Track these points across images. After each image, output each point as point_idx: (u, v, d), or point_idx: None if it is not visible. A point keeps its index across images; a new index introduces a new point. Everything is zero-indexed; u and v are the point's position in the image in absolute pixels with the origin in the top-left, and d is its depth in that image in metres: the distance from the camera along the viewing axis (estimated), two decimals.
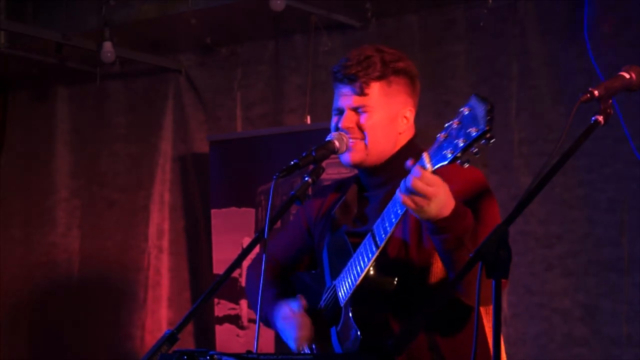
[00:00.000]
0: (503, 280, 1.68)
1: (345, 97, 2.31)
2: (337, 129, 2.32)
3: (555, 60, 4.14)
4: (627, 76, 1.94)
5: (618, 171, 3.99)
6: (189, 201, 5.23)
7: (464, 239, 2.03)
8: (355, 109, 2.30)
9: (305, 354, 2.31)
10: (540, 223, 4.12)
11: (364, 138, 2.29)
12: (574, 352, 4.03)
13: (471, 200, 2.19)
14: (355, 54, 2.31)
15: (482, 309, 2.24)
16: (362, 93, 2.29)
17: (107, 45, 4.69)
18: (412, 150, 2.30)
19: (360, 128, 2.29)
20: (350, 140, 2.30)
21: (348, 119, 2.30)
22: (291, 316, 2.36)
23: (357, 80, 2.28)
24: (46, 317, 5.59)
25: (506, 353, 2.37)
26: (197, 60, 5.21)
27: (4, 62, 5.28)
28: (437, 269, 2.21)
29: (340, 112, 2.33)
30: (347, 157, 2.31)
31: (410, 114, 2.34)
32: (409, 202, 1.98)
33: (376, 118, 2.29)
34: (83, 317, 5.43)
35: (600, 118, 1.89)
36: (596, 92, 1.89)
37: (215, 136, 4.97)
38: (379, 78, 2.29)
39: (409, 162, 2.00)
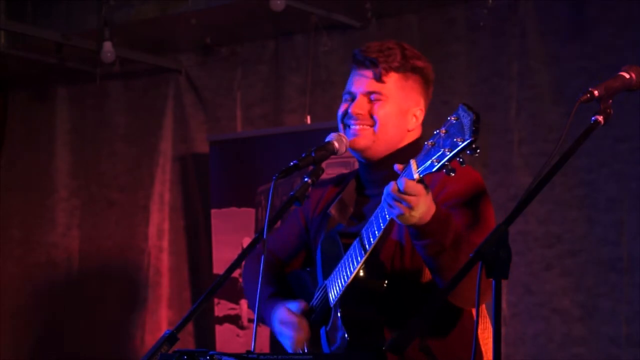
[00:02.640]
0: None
1: (361, 81, 2.30)
2: (345, 114, 2.31)
3: (555, 60, 4.15)
4: (627, 76, 1.94)
5: (618, 171, 3.99)
6: (189, 201, 5.23)
7: (446, 244, 2.02)
8: (369, 95, 2.29)
9: (304, 354, 2.31)
10: (539, 223, 4.12)
11: (373, 125, 2.28)
12: (573, 352, 4.03)
13: (469, 202, 2.19)
14: (377, 43, 2.31)
15: (472, 310, 2.24)
16: (379, 79, 2.28)
17: (107, 45, 4.69)
18: (414, 148, 2.29)
19: (371, 116, 2.28)
20: (357, 127, 2.28)
21: (359, 105, 2.29)
22: (289, 319, 2.35)
23: (377, 65, 2.27)
24: (45, 317, 5.59)
25: (504, 354, 2.37)
26: (197, 60, 5.21)
27: (4, 62, 5.28)
28: (428, 275, 2.20)
29: (352, 97, 2.31)
30: (352, 143, 2.29)
31: (420, 113, 2.35)
32: (390, 208, 1.99)
33: (389, 108, 2.28)
34: (83, 317, 5.42)
35: (600, 118, 1.89)
36: (596, 92, 1.89)
37: (215, 136, 4.98)
38: (397, 69, 2.28)
39: (397, 167, 2.00)
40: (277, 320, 2.37)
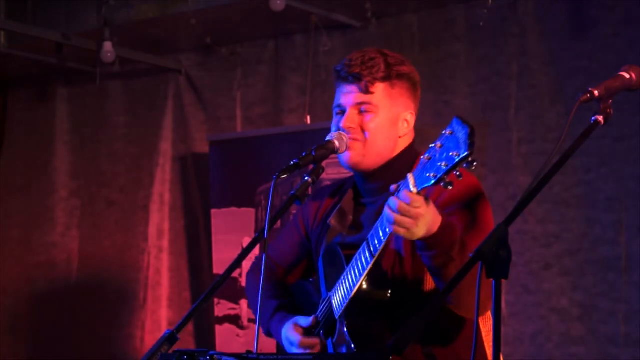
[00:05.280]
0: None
1: (349, 95, 2.28)
2: (338, 129, 2.29)
3: (555, 60, 4.15)
4: (627, 76, 1.94)
5: (616, 171, 4.00)
6: (189, 201, 5.23)
7: (452, 253, 2.01)
8: (359, 108, 2.27)
9: (305, 354, 2.30)
10: (538, 222, 4.13)
11: (364, 139, 2.26)
12: (572, 352, 4.04)
13: (467, 207, 2.18)
14: (359, 55, 2.29)
15: (480, 323, 2.23)
16: (367, 91, 2.26)
17: (107, 45, 4.70)
18: (410, 155, 2.29)
19: (362, 129, 2.27)
20: (350, 142, 2.27)
21: (350, 119, 2.27)
22: (298, 341, 2.33)
23: (361, 79, 2.26)
24: (45, 317, 5.59)
25: (503, 354, 2.37)
26: (197, 60, 5.22)
27: (4, 62, 5.29)
28: (431, 279, 2.18)
29: (342, 111, 2.30)
30: (345, 158, 2.28)
31: (411, 117, 2.32)
32: (396, 227, 1.96)
33: (379, 120, 2.26)
34: (82, 317, 5.43)
35: (600, 118, 1.89)
36: (596, 92, 1.89)
37: (215, 136, 4.98)
38: (383, 79, 2.27)
39: (393, 187, 1.98)
40: (286, 340, 2.36)
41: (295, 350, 2.34)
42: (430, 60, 4.39)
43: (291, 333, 2.35)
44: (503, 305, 4.11)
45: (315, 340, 2.31)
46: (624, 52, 3.93)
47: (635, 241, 3.93)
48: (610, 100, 1.90)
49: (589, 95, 1.89)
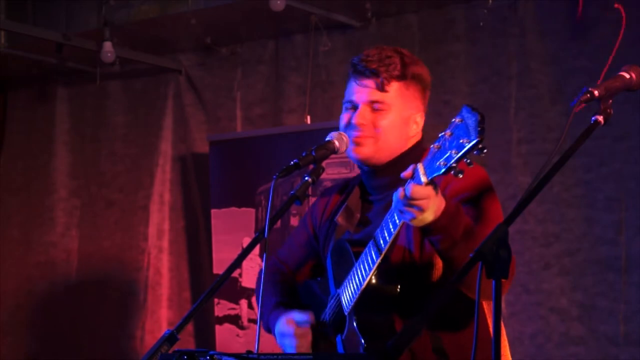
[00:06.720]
0: (504, 280, 1.68)
1: (363, 91, 2.29)
2: (348, 124, 2.30)
3: (555, 60, 4.16)
4: (627, 76, 1.94)
5: (616, 170, 4.00)
6: (189, 201, 5.24)
7: (456, 237, 2.03)
8: (372, 105, 2.28)
9: (305, 354, 2.31)
10: (538, 222, 4.13)
11: (375, 136, 2.27)
12: (571, 351, 4.04)
13: (474, 198, 2.19)
14: (376, 51, 2.31)
15: (486, 309, 2.24)
16: (382, 89, 2.27)
17: (107, 45, 4.70)
18: (416, 152, 2.30)
19: (374, 126, 2.27)
20: (360, 137, 2.27)
21: (362, 116, 2.28)
22: (288, 331, 2.35)
23: (378, 75, 2.27)
24: (45, 317, 5.59)
25: (510, 353, 2.38)
26: (197, 60, 5.22)
27: (4, 62, 5.29)
28: (439, 271, 2.20)
29: (354, 106, 2.30)
30: (355, 152, 2.29)
31: (420, 119, 2.35)
32: (402, 214, 1.99)
33: (392, 118, 2.28)
34: (82, 317, 5.43)
35: (600, 118, 1.90)
36: (596, 92, 1.90)
37: (215, 136, 4.98)
38: (399, 78, 2.29)
39: (404, 175, 1.99)
40: (279, 334, 2.38)
41: (286, 343, 2.35)
42: (430, 60, 4.38)
43: (284, 327, 2.36)
44: (503, 305, 4.10)
45: (305, 329, 2.32)
46: (624, 52, 3.93)
47: (635, 241, 3.93)
48: (610, 100, 1.91)
49: (589, 95, 1.89)
